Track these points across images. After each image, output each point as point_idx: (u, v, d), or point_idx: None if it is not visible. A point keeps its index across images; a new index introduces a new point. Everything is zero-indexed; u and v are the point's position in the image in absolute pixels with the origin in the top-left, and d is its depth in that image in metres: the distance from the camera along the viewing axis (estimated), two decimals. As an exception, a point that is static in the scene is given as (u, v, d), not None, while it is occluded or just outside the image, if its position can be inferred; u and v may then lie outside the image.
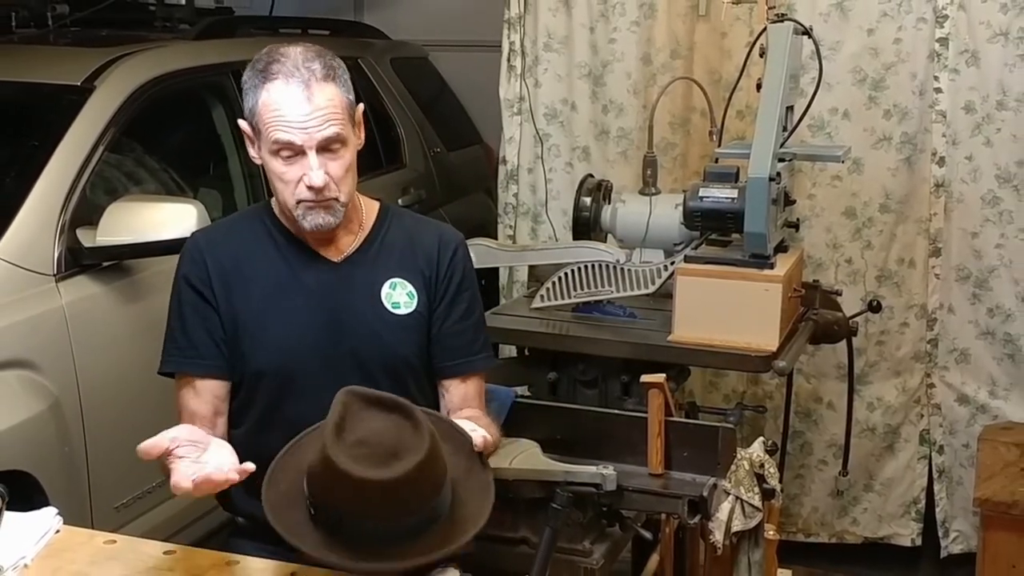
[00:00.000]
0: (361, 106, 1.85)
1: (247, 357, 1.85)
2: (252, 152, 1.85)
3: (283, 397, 1.84)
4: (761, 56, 2.60)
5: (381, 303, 1.88)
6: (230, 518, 1.97)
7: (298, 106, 1.73)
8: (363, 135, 1.86)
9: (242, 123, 1.84)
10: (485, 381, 2.00)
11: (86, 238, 2.56)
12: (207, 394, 1.86)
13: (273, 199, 1.92)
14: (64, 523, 1.72)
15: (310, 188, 1.76)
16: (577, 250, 2.66)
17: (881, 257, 3.20)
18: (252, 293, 1.86)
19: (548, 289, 2.67)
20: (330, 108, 1.74)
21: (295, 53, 1.77)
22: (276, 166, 1.78)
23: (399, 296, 1.89)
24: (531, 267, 2.97)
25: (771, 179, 2.43)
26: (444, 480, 1.56)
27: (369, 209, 1.94)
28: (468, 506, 1.60)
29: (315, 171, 1.75)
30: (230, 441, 1.83)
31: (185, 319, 1.86)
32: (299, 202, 1.79)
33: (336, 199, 1.79)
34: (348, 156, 1.80)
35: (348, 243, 1.90)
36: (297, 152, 1.75)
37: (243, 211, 2.08)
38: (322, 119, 1.74)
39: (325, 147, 1.76)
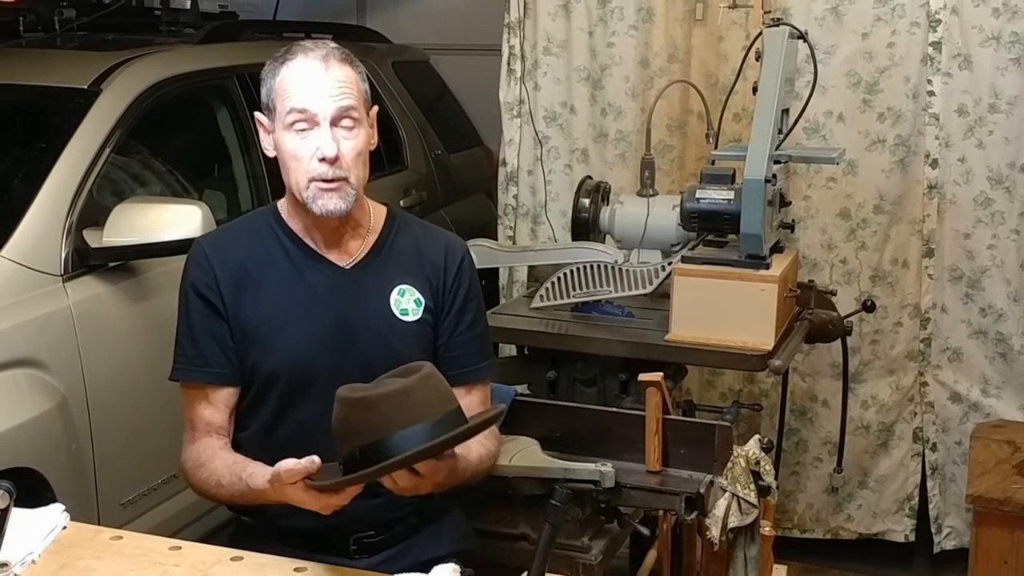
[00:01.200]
0: (376, 107, 1.86)
1: (256, 362, 1.84)
2: (266, 144, 1.85)
3: (291, 401, 1.84)
4: (757, 60, 2.61)
5: (390, 309, 1.87)
6: (234, 515, 1.98)
7: (315, 75, 1.76)
8: (376, 137, 1.86)
9: (257, 115, 1.85)
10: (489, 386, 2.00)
11: (93, 239, 2.57)
12: (220, 404, 1.86)
13: (280, 202, 1.91)
14: (71, 519, 1.73)
15: (323, 160, 1.75)
16: (576, 251, 2.68)
17: (875, 257, 3.22)
18: (261, 299, 1.85)
19: (547, 289, 2.68)
20: (346, 83, 1.77)
21: (314, 41, 1.82)
22: (289, 143, 1.78)
23: (407, 303, 1.89)
24: (531, 267, 2.98)
25: (767, 181, 2.44)
26: (444, 400, 1.64)
27: (377, 214, 1.94)
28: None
29: (328, 143, 1.75)
30: (237, 443, 1.86)
31: (194, 328, 1.85)
32: (311, 181, 1.77)
33: (347, 179, 1.78)
34: (362, 139, 1.80)
35: (356, 247, 1.89)
36: (311, 125, 1.76)
37: (248, 215, 2.04)
38: (338, 89, 1.76)
39: (338, 121, 1.76)
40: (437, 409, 1.62)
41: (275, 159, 1.86)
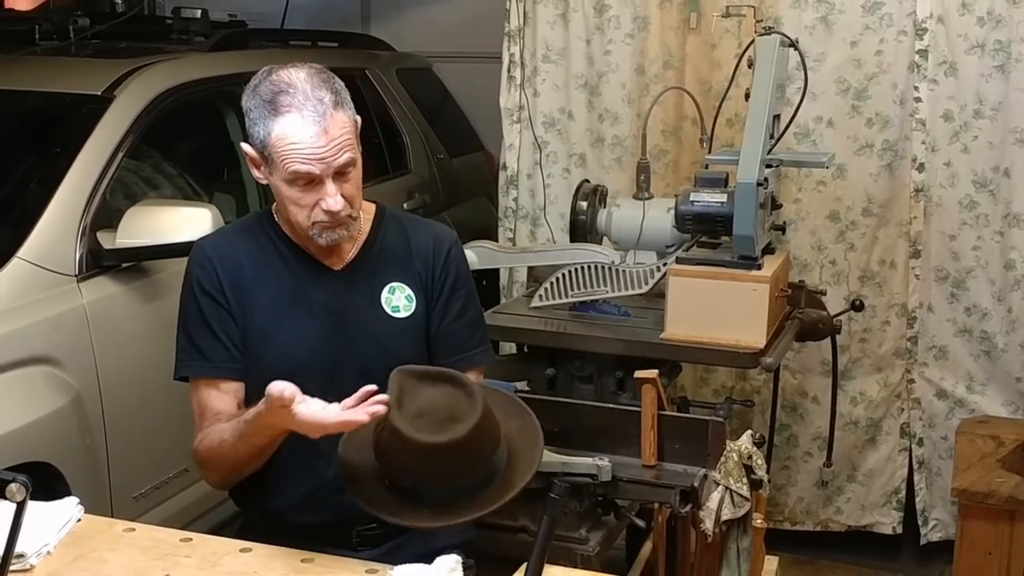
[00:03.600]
0: (359, 118, 1.85)
1: (254, 364, 1.87)
2: (258, 174, 1.84)
3: None
4: (749, 67, 2.63)
5: (382, 308, 1.91)
6: (242, 511, 2.02)
7: (315, 139, 1.73)
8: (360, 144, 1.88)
9: (247, 147, 1.82)
10: (484, 375, 2.02)
11: (106, 240, 2.61)
12: (231, 396, 1.87)
13: (274, 206, 1.94)
14: (85, 512, 1.77)
15: (327, 212, 1.79)
16: (574, 252, 2.72)
17: (864, 259, 3.25)
18: (260, 303, 1.88)
19: (546, 289, 2.71)
20: (344, 136, 1.76)
21: (301, 82, 1.75)
22: (291, 193, 1.79)
23: (398, 300, 1.92)
24: (530, 268, 3.01)
25: (759, 184, 2.46)
26: (499, 438, 1.68)
27: (367, 213, 1.95)
28: (521, 455, 1.73)
29: (334, 197, 1.77)
30: None
31: (207, 324, 1.86)
32: (315, 223, 1.81)
33: (350, 215, 1.83)
34: (358, 174, 1.83)
35: (348, 249, 1.92)
36: (314, 180, 1.77)
37: (243, 220, 2.04)
38: (338, 148, 1.75)
39: (340, 172, 1.78)
40: (481, 464, 1.66)
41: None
